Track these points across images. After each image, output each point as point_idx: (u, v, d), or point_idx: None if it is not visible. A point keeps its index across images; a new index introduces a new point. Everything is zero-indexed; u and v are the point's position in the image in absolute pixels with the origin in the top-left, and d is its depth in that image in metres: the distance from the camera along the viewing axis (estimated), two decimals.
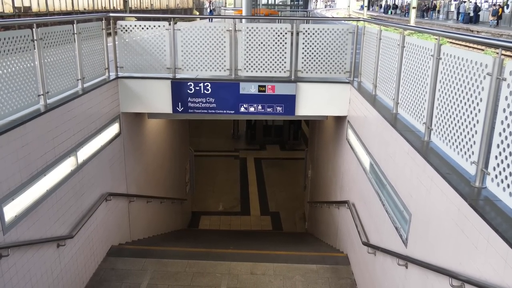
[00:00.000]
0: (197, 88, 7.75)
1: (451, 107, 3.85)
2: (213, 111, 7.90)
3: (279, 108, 7.86)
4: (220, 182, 17.67)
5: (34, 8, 23.08)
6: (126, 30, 7.64)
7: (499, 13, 32.26)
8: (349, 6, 64.14)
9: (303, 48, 7.68)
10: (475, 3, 40.18)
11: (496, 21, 32.20)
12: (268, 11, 26.56)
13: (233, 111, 7.93)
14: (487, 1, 47.42)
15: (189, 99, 7.82)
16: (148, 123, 9.68)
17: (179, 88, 7.76)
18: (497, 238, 2.73)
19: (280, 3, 36.70)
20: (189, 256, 7.68)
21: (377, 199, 5.73)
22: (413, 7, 28.17)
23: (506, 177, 2.95)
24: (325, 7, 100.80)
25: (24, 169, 4.79)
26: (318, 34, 7.61)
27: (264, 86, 7.74)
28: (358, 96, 7.04)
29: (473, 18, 36.88)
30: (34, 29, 5.25)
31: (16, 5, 20.72)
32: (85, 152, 6.40)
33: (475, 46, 20.53)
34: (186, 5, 52.09)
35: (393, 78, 5.61)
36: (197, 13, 52.89)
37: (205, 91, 7.78)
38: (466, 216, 3.15)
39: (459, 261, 3.31)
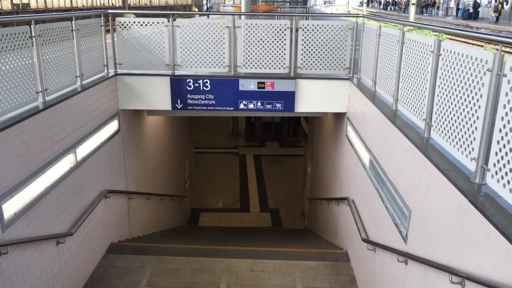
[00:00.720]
0: (196, 84, 7.73)
1: (451, 103, 3.84)
2: (213, 108, 7.89)
3: (278, 105, 7.84)
4: (219, 179, 17.67)
5: (33, 5, 23.02)
6: (125, 27, 7.61)
7: (499, 9, 32.21)
8: (348, 2, 63.99)
9: (302, 45, 7.65)
10: None
11: (496, 18, 32.15)
12: (267, 8, 26.50)
13: (233, 108, 7.91)
14: None
15: (188, 96, 7.80)
16: (147, 120, 9.67)
17: (178, 85, 7.74)
18: (497, 234, 2.72)
19: (279, 0, 36.61)
20: (188, 253, 7.68)
21: (376, 196, 5.73)
22: (413, 3, 28.12)
23: (506, 174, 2.94)
24: (324, 3, 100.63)
25: (23, 167, 4.78)
26: (317, 30, 7.58)
27: (264, 83, 7.72)
28: (358, 93, 7.03)
29: (473, 14, 36.81)
30: (32, 26, 5.23)
31: (14, 2, 20.66)
32: (84, 149, 6.38)
33: (474, 42, 20.50)
34: (185, 2, 51.97)
35: (393, 75, 5.60)
36: (196, 9, 52.78)
37: (204, 87, 7.75)
38: (466, 212, 3.15)
39: (459, 258, 3.30)
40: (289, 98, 7.78)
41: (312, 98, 7.84)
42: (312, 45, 7.65)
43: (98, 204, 6.79)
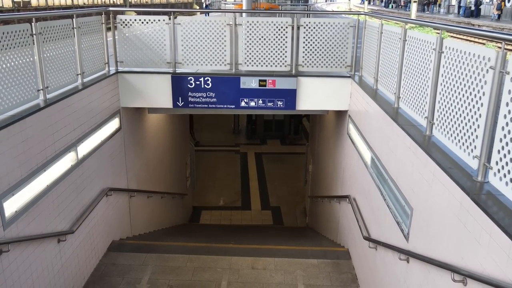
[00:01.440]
0: (197, 82, 7.72)
1: (453, 101, 3.83)
2: (214, 105, 7.87)
3: (280, 103, 7.83)
4: (220, 176, 17.67)
5: (34, 3, 23.00)
6: (126, 25, 7.60)
7: (501, 7, 32.12)
8: (349, 0, 63.87)
9: (303, 42, 7.63)
10: None
11: (498, 15, 32.05)
12: (268, 5, 26.45)
13: (234, 106, 7.90)
14: None
15: (190, 93, 7.78)
16: (149, 118, 9.66)
17: (179, 82, 7.73)
18: (500, 232, 2.71)
19: None
20: (190, 251, 7.68)
21: (378, 194, 5.72)
22: (414, 1, 28.03)
23: (508, 171, 2.93)
24: (326, 1, 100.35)
25: (24, 164, 4.78)
26: (319, 28, 7.56)
27: (265, 81, 7.71)
28: (359, 90, 7.01)
29: (474, 12, 36.69)
30: (33, 24, 5.21)
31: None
32: (85, 147, 6.38)
33: (476, 40, 20.44)
34: (186, 0, 51.88)
35: (395, 72, 5.58)
36: (197, 7, 52.69)
37: (205, 85, 7.74)
38: (469, 210, 3.13)
39: (461, 256, 3.29)
40: (290, 96, 7.76)
41: (313, 96, 7.83)
42: (313, 42, 7.63)
43: (99, 202, 6.79)
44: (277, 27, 7.56)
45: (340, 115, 8.58)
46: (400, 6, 57.21)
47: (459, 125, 3.71)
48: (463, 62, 3.65)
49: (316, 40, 7.61)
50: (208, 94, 7.79)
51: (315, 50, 7.66)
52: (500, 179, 3.04)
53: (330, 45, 7.64)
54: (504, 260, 2.68)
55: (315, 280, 6.89)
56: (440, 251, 3.69)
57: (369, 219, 6.34)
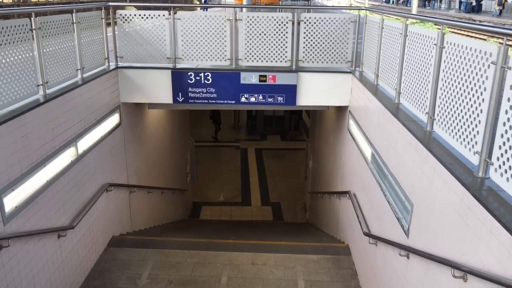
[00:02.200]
0: (197, 78, 7.70)
1: (454, 96, 3.81)
2: (214, 101, 7.85)
3: (280, 98, 7.81)
4: (221, 172, 17.67)
5: None
6: (126, 20, 7.57)
7: (503, 2, 32.00)
8: None
9: (304, 38, 7.60)
10: None
11: (499, 11, 31.94)
12: (269, 0, 26.35)
13: (234, 101, 7.88)
14: None
15: (190, 89, 7.76)
16: (149, 113, 9.64)
17: (179, 78, 7.70)
18: (501, 228, 2.70)
19: None
20: (190, 247, 7.68)
21: (378, 190, 5.71)
22: None
23: (510, 167, 2.92)
24: None
25: (23, 160, 4.77)
26: (319, 23, 7.53)
27: (265, 76, 7.69)
28: (360, 86, 6.99)
29: (475, 7, 36.57)
30: (32, 18, 5.19)
31: None
32: (85, 143, 6.37)
33: (477, 35, 20.37)
34: None
35: (395, 68, 5.55)
36: (198, 2, 52.52)
37: (205, 81, 7.72)
38: (469, 206, 3.13)
39: (461, 252, 3.29)
40: (290, 91, 7.74)
41: (314, 92, 7.81)
42: (314, 38, 7.60)
43: (99, 198, 6.78)
44: (277, 22, 7.53)
45: (341, 111, 8.56)
46: (402, 2, 57.02)
47: (460, 120, 3.69)
48: (464, 57, 3.63)
49: (316, 35, 7.58)
50: (208, 89, 7.77)
51: (316, 45, 7.63)
52: (501, 174, 3.03)
53: (331, 41, 7.61)
54: (505, 256, 2.67)
55: (315, 275, 6.89)
56: (441, 247, 3.68)
57: (369, 215, 6.33)
